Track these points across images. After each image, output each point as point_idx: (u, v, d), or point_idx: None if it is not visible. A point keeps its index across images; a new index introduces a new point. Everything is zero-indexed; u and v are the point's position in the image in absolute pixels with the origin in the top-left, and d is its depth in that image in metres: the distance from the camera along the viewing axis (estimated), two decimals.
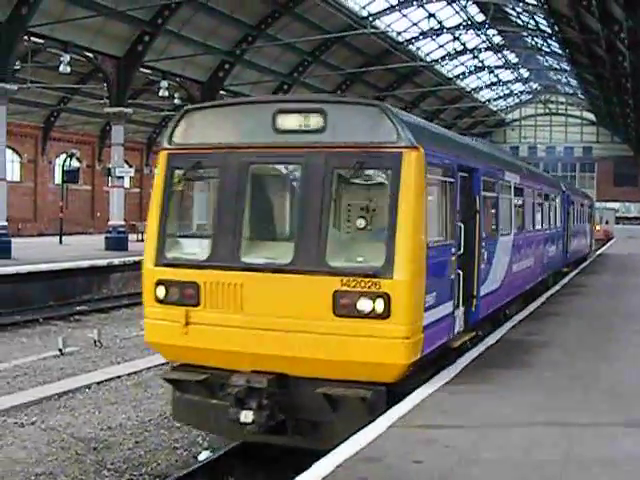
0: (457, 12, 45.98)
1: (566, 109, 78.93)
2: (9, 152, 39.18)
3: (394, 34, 44.32)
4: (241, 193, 8.14)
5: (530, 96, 77.52)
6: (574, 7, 30.68)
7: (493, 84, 65.52)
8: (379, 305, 7.39)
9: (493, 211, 11.49)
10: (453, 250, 8.96)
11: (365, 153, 7.68)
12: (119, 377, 12.83)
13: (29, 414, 10.68)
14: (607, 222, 62.00)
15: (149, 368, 13.27)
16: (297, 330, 7.62)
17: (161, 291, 8.22)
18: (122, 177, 33.99)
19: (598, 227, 52.12)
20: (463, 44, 52.19)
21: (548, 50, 53.89)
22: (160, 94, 35.67)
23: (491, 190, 11.22)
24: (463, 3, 44.35)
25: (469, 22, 47.33)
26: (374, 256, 7.62)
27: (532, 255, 15.23)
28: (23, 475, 8.59)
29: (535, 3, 39.46)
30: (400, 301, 7.40)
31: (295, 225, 8.11)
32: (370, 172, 7.86)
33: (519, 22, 49.10)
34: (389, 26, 43.52)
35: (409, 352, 7.53)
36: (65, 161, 43.20)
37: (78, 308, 21.73)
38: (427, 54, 50.79)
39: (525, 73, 66.42)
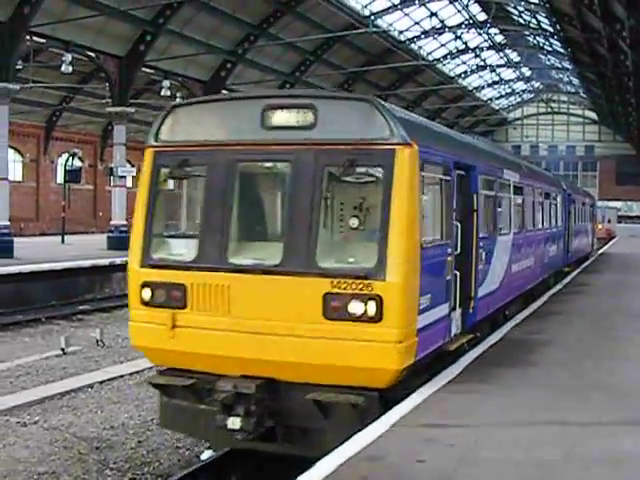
0: (459, 11, 45.99)
1: (568, 108, 78.74)
2: (11, 152, 39.29)
3: (396, 33, 44.24)
4: (229, 192, 7.88)
5: (532, 95, 77.42)
6: (576, 6, 30.65)
7: (495, 83, 65.43)
8: (371, 308, 7.12)
9: (491, 210, 11.23)
10: (449, 250, 8.70)
11: (356, 150, 7.40)
12: (121, 376, 12.87)
13: (32, 413, 10.70)
14: (609, 221, 61.96)
15: (151, 367, 13.18)
16: (286, 334, 7.36)
17: (147, 293, 7.96)
18: (124, 176, 33.97)
19: (600, 226, 52.18)
20: (465, 43, 52.13)
21: (550, 49, 53.85)
22: (162, 94, 35.63)
23: (489, 188, 11.03)
24: (465, 2, 44.37)
25: (471, 21, 47.27)
26: (366, 257, 7.35)
27: (532, 255, 15.06)
28: (26, 474, 8.61)
29: (537, 2, 39.48)
30: (393, 304, 7.14)
31: (284, 225, 7.86)
32: (362, 170, 7.46)
33: (521, 21, 49.06)
34: (391, 25, 43.50)
35: (402, 356, 7.28)
36: (67, 161, 43.20)
37: (80, 307, 21.75)
38: (429, 53, 50.78)
39: (527, 72, 66.32)
